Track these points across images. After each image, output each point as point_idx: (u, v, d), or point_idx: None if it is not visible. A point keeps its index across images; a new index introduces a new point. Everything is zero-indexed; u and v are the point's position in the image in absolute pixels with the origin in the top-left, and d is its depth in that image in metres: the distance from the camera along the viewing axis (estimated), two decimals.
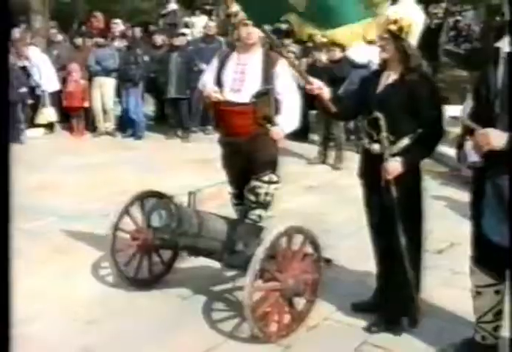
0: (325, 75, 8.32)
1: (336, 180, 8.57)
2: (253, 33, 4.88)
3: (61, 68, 11.88)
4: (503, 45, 3.49)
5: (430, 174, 8.37)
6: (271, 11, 4.33)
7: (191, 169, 8.73)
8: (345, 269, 5.28)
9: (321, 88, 4.21)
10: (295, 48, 11.59)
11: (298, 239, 4.22)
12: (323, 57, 9.73)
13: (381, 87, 4.12)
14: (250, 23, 4.82)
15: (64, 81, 11.77)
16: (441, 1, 20.98)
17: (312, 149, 10.07)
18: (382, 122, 3.99)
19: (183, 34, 12.47)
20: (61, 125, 12.14)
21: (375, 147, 4.09)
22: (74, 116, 11.79)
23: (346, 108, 4.42)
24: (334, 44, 9.93)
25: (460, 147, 3.64)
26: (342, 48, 9.58)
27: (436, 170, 8.79)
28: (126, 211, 4.78)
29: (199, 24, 15.87)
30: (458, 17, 26.06)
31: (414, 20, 4.00)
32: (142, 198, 4.77)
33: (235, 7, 14.47)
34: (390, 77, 4.10)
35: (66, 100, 11.68)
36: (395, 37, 3.97)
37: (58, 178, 8.34)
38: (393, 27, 3.96)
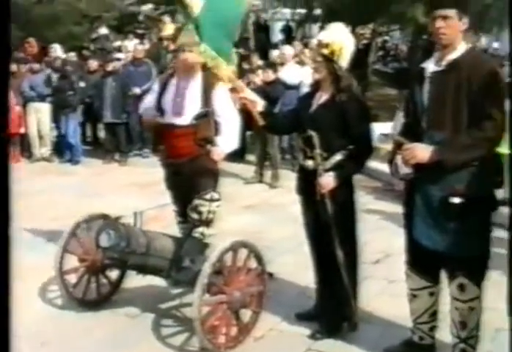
0: (259, 97, 8.59)
1: (273, 198, 8.81)
2: (191, 58, 5.06)
3: None
4: (428, 65, 3.80)
5: (365, 190, 8.72)
6: None
7: (130, 193, 8.80)
8: (286, 282, 5.49)
9: (253, 101, 4.48)
10: None
11: (242, 253, 4.42)
12: (256, 79, 10.01)
13: (314, 107, 4.39)
14: (188, 48, 5.02)
15: None
16: (368, 22, 21.53)
17: (249, 169, 10.29)
18: (315, 140, 4.25)
19: (119, 59, 12.60)
20: None
21: (310, 163, 4.33)
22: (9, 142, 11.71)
23: (279, 122, 4.70)
24: (268, 65, 10.30)
25: (391, 161, 3.92)
26: (275, 69, 9.91)
27: (370, 185, 9.13)
28: (73, 234, 4.88)
29: (132, 48, 16.00)
30: (386, 38, 26.82)
31: (345, 44, 4.28)
32: (89, 220, 4.89)
33: (167, 31, 14.69)
34: (322, 97, 4.37)
35: None
36: (327, 59, 4.24)
37: None
38: (325, 51, 4.24)
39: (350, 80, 4.30)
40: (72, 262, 4.99)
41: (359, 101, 4.39)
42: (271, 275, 5.24)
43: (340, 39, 4.25)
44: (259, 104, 4.52)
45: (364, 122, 4.31)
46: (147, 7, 21.04)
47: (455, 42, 3.69)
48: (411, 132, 3.78)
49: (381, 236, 6.67)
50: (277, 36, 22.72)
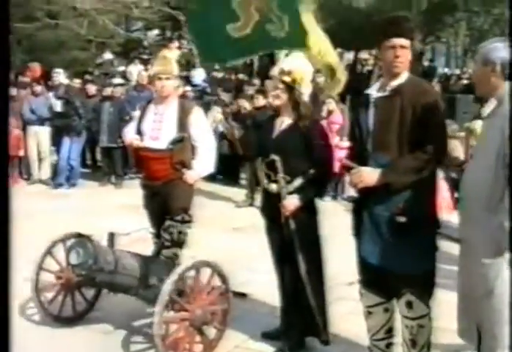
0: (249, 121, 8.88)
1: (260, 222, 8.93)
2: (167, 86, 5.27)
3: None
4: (372, 91, 3.98)
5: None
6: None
7: (123, 215, 8.96)
8: (259, 302, 5.64)
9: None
10: (225, 96, 12.11)
11: (206, 272, 4.58)
12: (246, 104, 10.27)
13: (276, 132, 4.57)
14: (164, 76, 5.24)
15: None
16: (371, 47, 21.65)
17: (242, 193, 10.44)
18: (279, 164, 4.42)
19: (121, 84, 12.87)
20: None
21: (273, 186, 4.51)
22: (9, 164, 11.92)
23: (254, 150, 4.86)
24: (258, 91, 10.53)
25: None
26: (265, 95, 10.15)
27: None
28: (48, 252, 5.06)
29: (136, 73, 16.29)
30: None
31: (306, 72, 4.48)
32: (64, 239, 5.07)
33: None
34: (284, 122, 4.56)
35: None
36: (289, 86, 4.44)
37: None
38: (287, 78, 4.43)
39: (310, 106, 4.49)
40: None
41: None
42: (244, 295, 5.40)
43: (301, 67, 4.46)
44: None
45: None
46: (152, 33, 21.43)
47: (404, 70, 3.88)
48: (358, 156, 3.95)
49: None
50: None
